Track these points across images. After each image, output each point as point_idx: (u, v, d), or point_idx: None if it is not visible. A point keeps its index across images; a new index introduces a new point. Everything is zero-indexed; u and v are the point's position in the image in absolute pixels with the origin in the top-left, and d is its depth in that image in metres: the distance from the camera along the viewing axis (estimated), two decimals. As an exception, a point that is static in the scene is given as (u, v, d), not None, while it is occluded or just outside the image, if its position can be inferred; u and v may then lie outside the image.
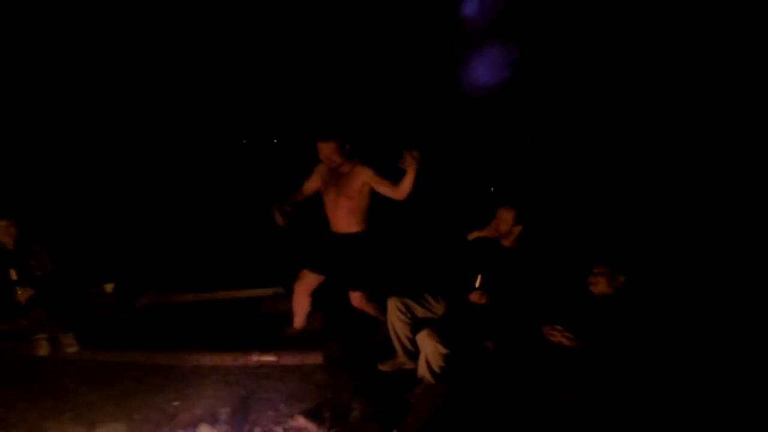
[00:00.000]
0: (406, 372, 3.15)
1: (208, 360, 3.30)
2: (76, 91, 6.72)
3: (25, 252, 3.55)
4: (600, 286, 2.57)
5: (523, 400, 2.50)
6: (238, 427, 2.52)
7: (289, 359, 3.28)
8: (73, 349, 3.42)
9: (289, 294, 4.19)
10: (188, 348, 3.42)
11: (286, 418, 2.65)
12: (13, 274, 3.42)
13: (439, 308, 3.17)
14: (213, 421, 2.58)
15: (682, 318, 3.08)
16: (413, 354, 3.15)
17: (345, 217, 3.33)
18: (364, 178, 3.21)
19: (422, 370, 2.89)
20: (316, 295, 3.60)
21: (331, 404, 2.81)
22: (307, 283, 3.52)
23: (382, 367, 3.22)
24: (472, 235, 3.14)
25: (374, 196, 3.31)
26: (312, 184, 3.43)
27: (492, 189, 5.42)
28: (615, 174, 4.67)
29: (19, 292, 3.38)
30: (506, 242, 3.05)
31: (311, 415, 2.65)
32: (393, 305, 3.13)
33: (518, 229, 2.99)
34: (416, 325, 3.11)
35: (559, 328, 2.55)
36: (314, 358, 3.29)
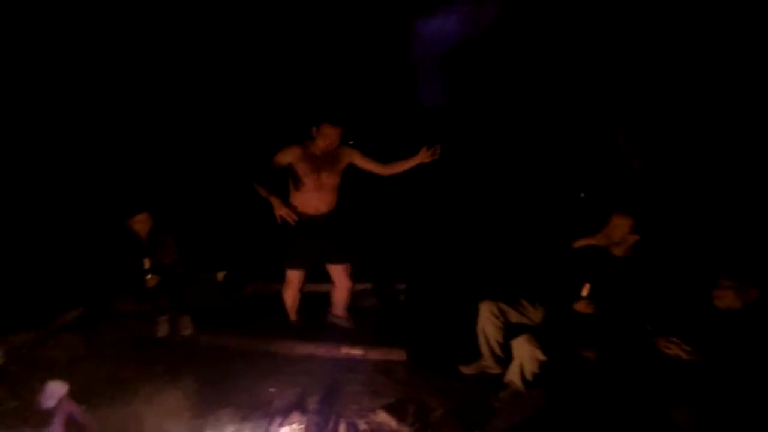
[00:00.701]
0: (488, 376, 3.16)
1: (302, 349, 3.53)
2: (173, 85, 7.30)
3: (156, 242, 3.88)
4: (726, 299, 2.37)
5: (624, 413, 2.41)
6: (325, 417, 2.68)
7: (375, 354, 3.42)
8: (188, 332, 3.81)
9: (376, 291, 4.35)
10: (285, 337, 3.68)
11: (368, 412, 2.78)
12: (147, 263, 3.80)
13: (535, 315, 3.12)
14: (303, 409, 2.78)
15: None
16: (500, 359, 3.15)
17: (329, 197, 3.53)
18: (351, 158, 3.52)
19: (512, 376, 2.88)
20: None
21: (413, 401, 2.89)
22: (298, 279, 3.77)
23: (465, 370, 3.24)
24: (579, 243, 3.03)
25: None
26: (282, 164, 3.45)
27: (582, 195, 5.16)
28: (737, 176, 4.18)
29: (148, 279, 3.78)
30: (618, 251, 2.90)
31: (393, 410, 2.74)
32: (487, 309, 3.13)
33: (634, 238, 2.84)
34: (509, 330, 3.10)
35: (677, 340, 2.41)
36: (398, 355, 3.40)
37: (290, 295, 3.86)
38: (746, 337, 2.28)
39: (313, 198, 3.51)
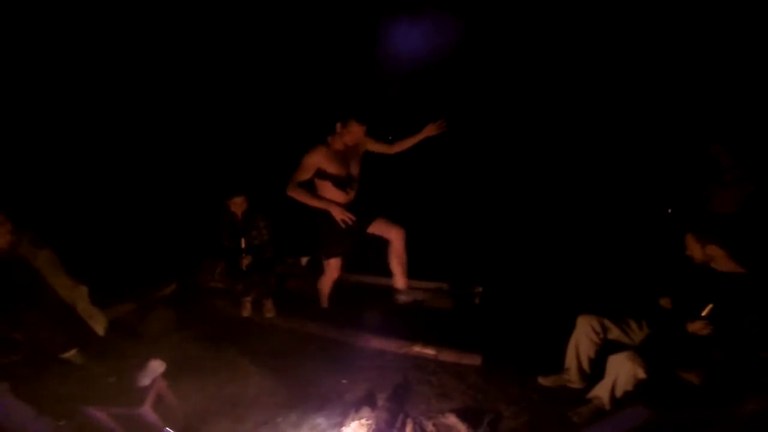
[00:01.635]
0: (567, 390, 2.98)
1: (376, 343, 3.55)
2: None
3: (250, 223, 3.99)
4: None
5: None
6: (393, 414, 2.66)
7: (447, 356, 3.34)
8: (270, 314, 3.98)
9: (449, 291, 4.25)
10: (359, 329, 3.70)
11: (437, 413, 2.72)
12: (242, 243, 3.93)
13: (638, 334, 2.89)
14: (372, 404, 2.79)
15: None
16: (587, 375, 2.97)
17: (357, 185, 3.68)
18: (367, 145, 3.69)
19: (601, 392, 2.70)
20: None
21: (484, 408, 2.80)
22: (335, 267, 3.89)
23: (544, 381, 3.07)
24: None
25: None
26: (311, 172, 3.47)
27: (669, 210, 4.70)
28: None
29: (243, 258, 3.91)
30: (721, 266, 2.62)
31: (463, 415, 2.67)
32: (587, 323, 2.95)
33: (721, 253, 2.55)
34: (603, 348, 2.92)
35: None
36: (472, 359, 3.29)
37: (327, 284, 4.01)
38: None
39: (345, 189, 3.60)
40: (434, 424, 2.65)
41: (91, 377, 2.60)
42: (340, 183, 3.55)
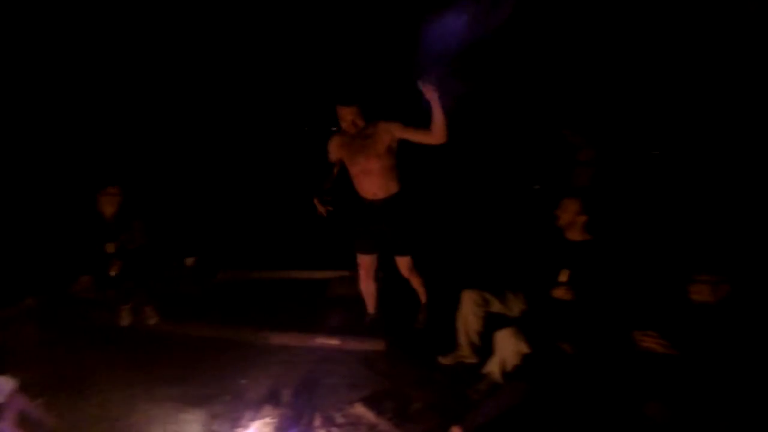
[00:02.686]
0: (466, 366, 3.09)
1: (275, 339, 3.41)
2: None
3: (122, 224, 3.67)
4: (702, 293, 2.33)
5: (599, 406, 2.36)
6: (300, 410, 2.57)
7: (352, 345, 3.32)
8: (153, 321, 3.65)
9: (353, 278, 4.23)
10: (258, 326, 3.54)
11: (346, 404, 2.67)
12: (110, 247, 3.59)
13: (516, 304, 3.05)
14: (276, 402, 2.65)
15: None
16: (478, 348, 3.08)
17: (379, 180, 3.22)
18: (393, 133, 3.13)
19: (492, 367, 2.81)
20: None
21: (391, 393, 2.80)
22: (366, 265, 3.48)
23: (444, 360, 3.15)
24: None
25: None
26: (335, 159, 3.29)
27: (536, 187, 5.21)
28: (712, 171, 4.25)
29: (111, 265, 3.57)
30: (573, 234, 2.87)
31: (370, 403, 2.65)
32: (470, 297, 3.05)
33: (582, 219, 2.81)
34: (489, 320, 3.04)
35: (653, 333, 2.35)
36: (376, 345, 3.30)
37: (362, 283, 3.59)
38: (719, 332, 2.25)
39: (364, 183, 3.26)
40: (343, 416, 2.60)
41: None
42: (355, 174, 3.25)
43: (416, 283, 3.55)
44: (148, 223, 3.79)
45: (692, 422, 2.13)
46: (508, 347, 2.71)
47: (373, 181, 3.22)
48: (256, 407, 2.58)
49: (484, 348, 3.03)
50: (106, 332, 3.49)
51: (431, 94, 2.82)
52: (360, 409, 2.62)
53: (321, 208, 3.12)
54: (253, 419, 2.47)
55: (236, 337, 3.46)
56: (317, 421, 2.51)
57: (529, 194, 5.55)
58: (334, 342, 3.33)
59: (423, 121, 2.99)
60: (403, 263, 3.42)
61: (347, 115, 3.10)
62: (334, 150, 3.28)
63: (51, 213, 4.64)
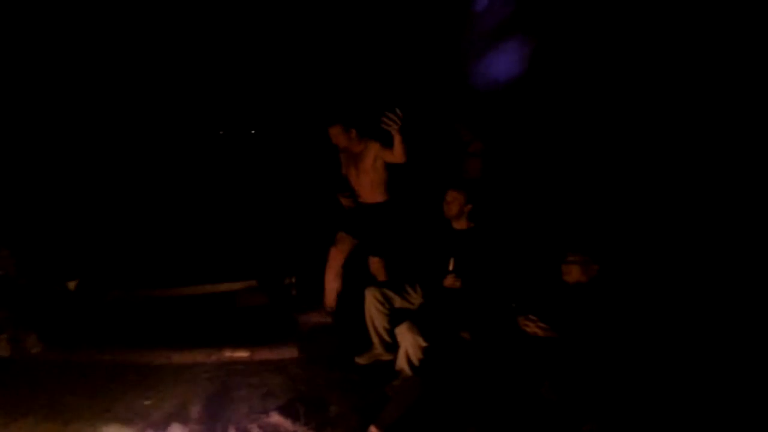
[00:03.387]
0: (383, 364, 3.13)
1: (179, 357, 3.22)
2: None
3: None
4: (573, 274, 2.51)
5: (499, 391, 2.48)
6: (211, 425, 2.45)
7: (264, 354, 3.23)
8: (36, 349, 3.33)
9: (262, 287, 4.12)
10: (159, 345, 3.33)
11: (261, 414, 2.59)
12: None
13: (416, 298, 3.15)
14: (185, 419, 2.51)
15: (657, 309, 3.09)
16: (390, 345, 3.13)
17: (368, 190, 3.60)
18: (374, 152, 3.47)
19: (401, 363, 2.86)
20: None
21: (307, 399, 2.76)
22: (342, 246, 3.71)
23: (359, 360, 3.18)
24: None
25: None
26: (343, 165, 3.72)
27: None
28: (584, 154, 4.66)
29: None
30: (459, 224, 3.04)
31: (286, 411, 2.59)
32: (371, 295, 3.10)
33: (468, 208, 2.99)
34: (394, 315, 3.10)
35: (533, 318, 2.48)
36: (289, 352, 3.25)
37: (331, 269, 3.73)
38: (590, 311, 2.41)
39: (358, 190, 3.65)
40: (259, 426, 2.51)
41: None
42: (351, 183, 3.64)
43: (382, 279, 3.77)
44: (17, 251, 3.56)
45: (578, 399, 2.26)
46: (406, 342, 2.77)
47: (364, 192, 3.62)
48: (162, 427, 2.42)
49: (396, 344, 3.05)
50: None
51: (392, 128, 3.17)
52: (276, 418, 2.55)
53: (347, 202, 3.65)
54: (160, 439, 2.31)
55: (134, 359, 3.21)
56: (231, 434, 2.40)
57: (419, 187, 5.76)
58: (242, 354, 3.21)
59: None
60: (374, 263, 3.72)
61: (334, 133, 3.49)
62: (342, 157, 3.70)
63: None
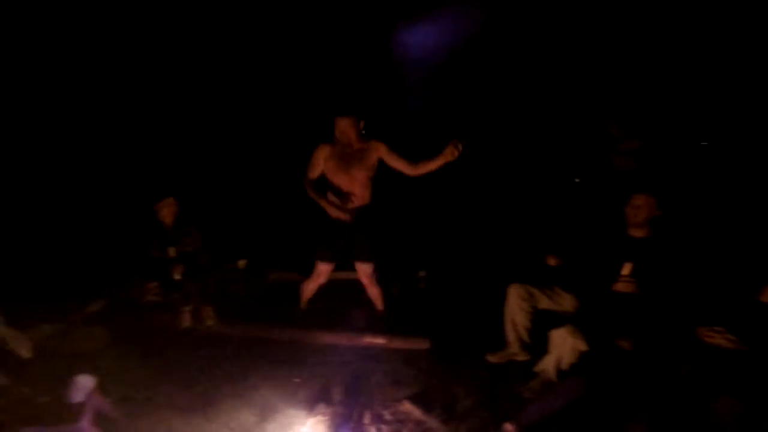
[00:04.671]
0: (516, 364, 3.10)
1: (325, 339, 3.51)
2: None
3: (181, 230, 3.85)
4: None
5: (663, 404, 2.33)
6: (350, 408, 2.65)
7: (398, 343, 3.38)
8: (212, 322, 3.80)
9: (396, 278, 4.28)
10: (308, 326, 3.66)
11: (393, 402, 2.73)
12: (172, 252, 3.77)
13: (566, 301, 3.03)
14: (328, 400, 2.75)
15: None
16: (528, 346, 3.09)
17: (360, 191, 3.46)
18: (379, 152, 3.41)
19: (546, 366, 2.81)
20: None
21: (437, 391, 2.85)
22: (324, 274, 3.70)
23: (491, 358, 3.17)
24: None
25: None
26: (318, 172, 3.47)
27: (576, 180, 5.07)
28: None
29: (174, 268, 3.74)
30: (640, 232, 2.82)
31: (418, 400, 2.70)
32: (515, 293, 3.06)
33: (656, 215, 2.77)
34: (537, 316, 3.04)
35: (720, 329, 2.30)
36: (421, 344, 3.36)
37: (311, 287, 3.81)
38: None
39: (343, 195, 3.48)
40: (391, 413, 2.65)
41: (21, 400, 2.41)
42: (337, 187, 3.45)
43: (374, 291, 3.74)
44: (202, 228, 3.94)
45: (760, 418, 2.08)
46: (565, 345, 2.70)
47: (355, 192, 3.46)
48: (310, 405, 2.68)
49: (535, 344, 3.05)
50: (167, 334, 3.66)
51: (448, 157, 3.15)
52: (407, 406, 2.67)
53: (340, 214, 3.40)
54: (308, 417, 2.57)
55: (287, 337, 3.58)
56: (367, 419, 2.58)
57: (569, 187, 5.43)
58: (380, 341, 3.41)
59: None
60: (366, 270, 3.64)
61: (345, 125, 3.35)
62: (320, 161, 3.45)
63: (118, 223, 4.93)
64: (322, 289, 3.87)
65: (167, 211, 3.80)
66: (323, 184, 3.48)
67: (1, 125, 5.94)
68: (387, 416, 2.63)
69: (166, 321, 3.80)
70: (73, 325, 3.58)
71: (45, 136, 6.43)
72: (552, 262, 3.05)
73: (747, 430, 2.08)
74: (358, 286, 3.86)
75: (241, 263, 4.93)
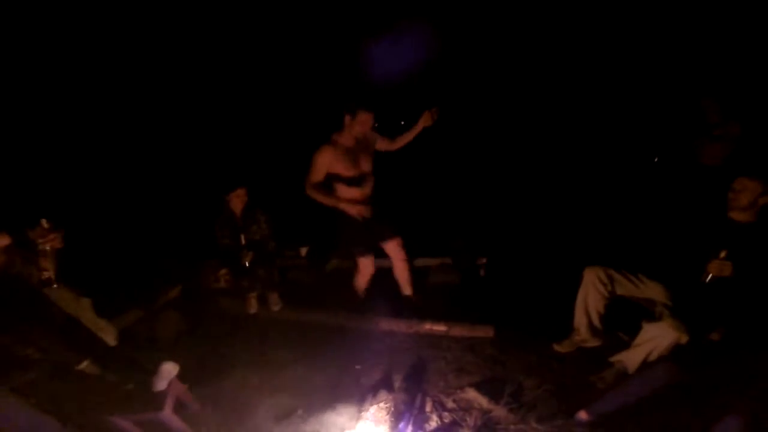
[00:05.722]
0: (584, 351, 2.98)
1: (385, 325, 3.53)
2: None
3: (249, 218, 3.94)
4: None
5: (756, 396, 2.17)
6: (412, 395, 2.64)
7: (459, 331, 3.33)
8: (277, 307, 3.93)
9: (456, 265, 4.22)
10: (368, 313, 3.68)
11: (456, 389, 2.71)
12: (242, 239, 3.86)
13: (651, 289, 2.85)
14: (390, 387, 2.77)
15: None
16: (597, 331, 2.96)
17: (370, 181, 3.56)
18: (375, 140, 3.61)
19: (628, 357, 2.68)
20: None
21: (502, 379, 2.79)
22: (369, 268, 3.73)
23: (559, 348, 3.06)
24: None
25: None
26: (322, 175, 3.40)
27: (655, 159, 4.69)
28: None
29: (244, 255, 3.83)
30: (742, 216, 2.61)
31: (482, 388, 2.66)
32: (594, 274, 2.90)
33: (765, 200, 2.55)
34: (612, 302, 2.90)
35: None
36: (484, 332, 3.29)
37: (362, 281, 3.85)
38: None
39: (359, 187, 3.49)
40: (454, 400, 2.64)
41: (109, 387, 2.57)
42: (352, 181, 3.45)
43: (406, 271, 3.74)
44: (269, 216, 4.02)
45: None
46: (665, 339, 2.54)
47: (366, 183, 3.53)
48: (372, 391, 2.70)
49: (605, 330, 2.93)
50: (236, 319, 3.81)
51: (425, 123, 3.47)
52: (471, 394, 2.64)
53: (360, 210, 3.40)
54: (371, 403, 2.59)
55: (349, 323, 3.62)
56: (429, 406, 2.58)
57: (648, 168, 5.08)
58: (441, 328, 3.37)
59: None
60: (397, 245, 3.68)
61: (369, 120, 3.39)
62: (330, 161, 3.36)
63: (190, 212, 5.16)
64: (383, 276, 3.88)
65: (237, 201, 3.89)
66: (327, 186, 3.47)
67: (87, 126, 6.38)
68: (449, 404, 2.61)
69: (234, 307, 3.95)
70: (151, 313, 3.80)
71: (123, 132, 6.85)
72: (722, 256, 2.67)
73: None
74: (416, 274, 3.85)
75: (303, 250, 5.04)
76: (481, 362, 2.99)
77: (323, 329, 3.57)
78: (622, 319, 2.97)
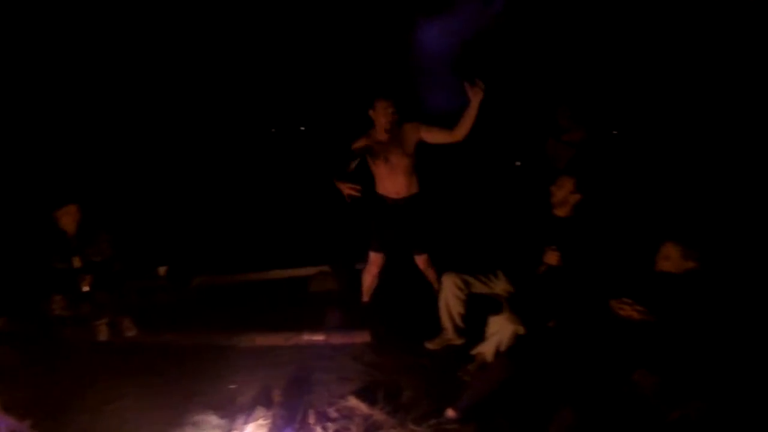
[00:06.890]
0: (454, 348, 3.15)
1: (260, 340, 3.38)
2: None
3: (86, 238, 3.57)
4: (670, 263, 2.40)
5: (588, 378, 2.43)
6: (293, 409, 2.55)
7: (338, 339, 3.33)
8: (131, 333, 3.57)
9: (335, 273, 4.22)
10: (241, 329, 3.50)
11: (338, 399, 2.68)
12: (77, 262, 3.49)
13: (498, 285, 3.12)
14: (268, 403, 2.63)
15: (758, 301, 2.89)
16: (462, 330, 3.15)
17: (405, 179, 3.38)
18: (416, 133, 3.29)
19: (486, 349, 2.84)
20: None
21: (382, 384, 2.82)
22: (378, 263, 3.59)
23: (430, 345, 3.21)
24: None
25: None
26: (360, 148, 3.36)
27: (517, 163, 5.29)
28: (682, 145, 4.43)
29: (81, 279, 3.47)
30: (561, 211, 2.95)
31: (362, 395, 2.67)
32: (450, 281, 3.11)
33: (575, 198, 2.90)
34: (470, 302, 3.10)
35: (629, 301, 2.41)
36: (362, 337, 3.32)
37: (368, 278, 3.68)
38: (688, 299, 2.32)
39: (389, 182, 3.40)
40: (337, 410, 2.59)
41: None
42: (381, 175, 3.37)
43: (432, 276, 3.62)
44: (114, 235, 3.68)
45: (677, 386, 2.18)
46: (505, 331, 2.74)
47: (398, 180, 3.37)
48: (248, 410, 2.55)
49: (468, 328, 3.11)
50: (84, 348, 3.40)
51: (476, 97, 3.01)
52: (353, 402, 2.63)
53: (346, 190, 3.17)
54: (246, 422, 2.45)
55: (219, 342, 3.40)
56: (311, 418, 2.50)
57: (509, 171, 5.59)
58: (319, 338, 3.33)
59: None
60: (422, 260, 3.54)
61: (389, 107, 3.22)
62: (363, 143, 3.33)
63: (13, 234, 4.46)
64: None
65: (68, 219, 3.51)
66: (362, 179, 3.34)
67: None
68: (332, 414, 2.56)
69: (82, 336, 3.49)
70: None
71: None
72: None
73: (666, 401, 2.19)
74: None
75: (162, 270, 4.66)
76: (361, 368, 3.01)
77: (192, 351, 3.31)
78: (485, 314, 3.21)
